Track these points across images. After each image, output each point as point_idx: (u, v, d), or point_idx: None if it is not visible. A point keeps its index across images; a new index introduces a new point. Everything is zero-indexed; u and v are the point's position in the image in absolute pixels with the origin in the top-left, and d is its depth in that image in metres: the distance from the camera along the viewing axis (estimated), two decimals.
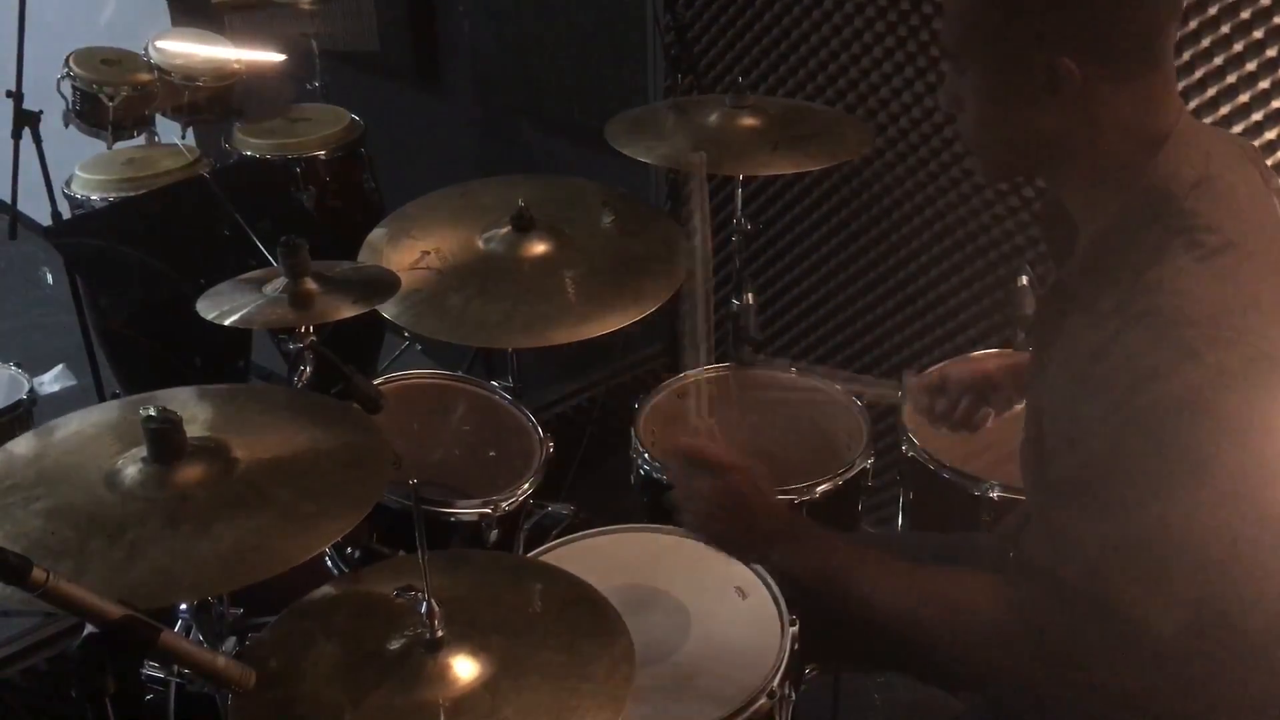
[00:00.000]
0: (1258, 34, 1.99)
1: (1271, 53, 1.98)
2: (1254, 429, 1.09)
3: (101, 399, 2.82)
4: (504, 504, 1.84)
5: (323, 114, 3.27)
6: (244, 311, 1.67)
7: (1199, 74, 2.05)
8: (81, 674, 1.07)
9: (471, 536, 1.83)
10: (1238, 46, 2.01)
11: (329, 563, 1.88)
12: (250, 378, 2.90)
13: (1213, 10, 2.01)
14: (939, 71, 2.40)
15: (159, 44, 3.15)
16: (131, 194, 2.92)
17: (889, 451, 2.06)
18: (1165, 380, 1.07)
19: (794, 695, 1.50)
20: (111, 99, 3.02)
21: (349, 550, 1.87)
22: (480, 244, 2.03)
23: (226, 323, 1.66)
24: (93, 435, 1.48)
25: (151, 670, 1.71)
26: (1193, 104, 2.05)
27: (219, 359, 2.72)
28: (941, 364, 2.06)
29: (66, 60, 3.05)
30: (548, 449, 1.96)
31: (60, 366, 3.52)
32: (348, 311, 1.69)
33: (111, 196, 2.95)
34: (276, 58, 3.25)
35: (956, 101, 1.27)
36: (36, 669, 2.20)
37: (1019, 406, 1.61)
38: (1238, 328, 1.08)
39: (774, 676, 1.44)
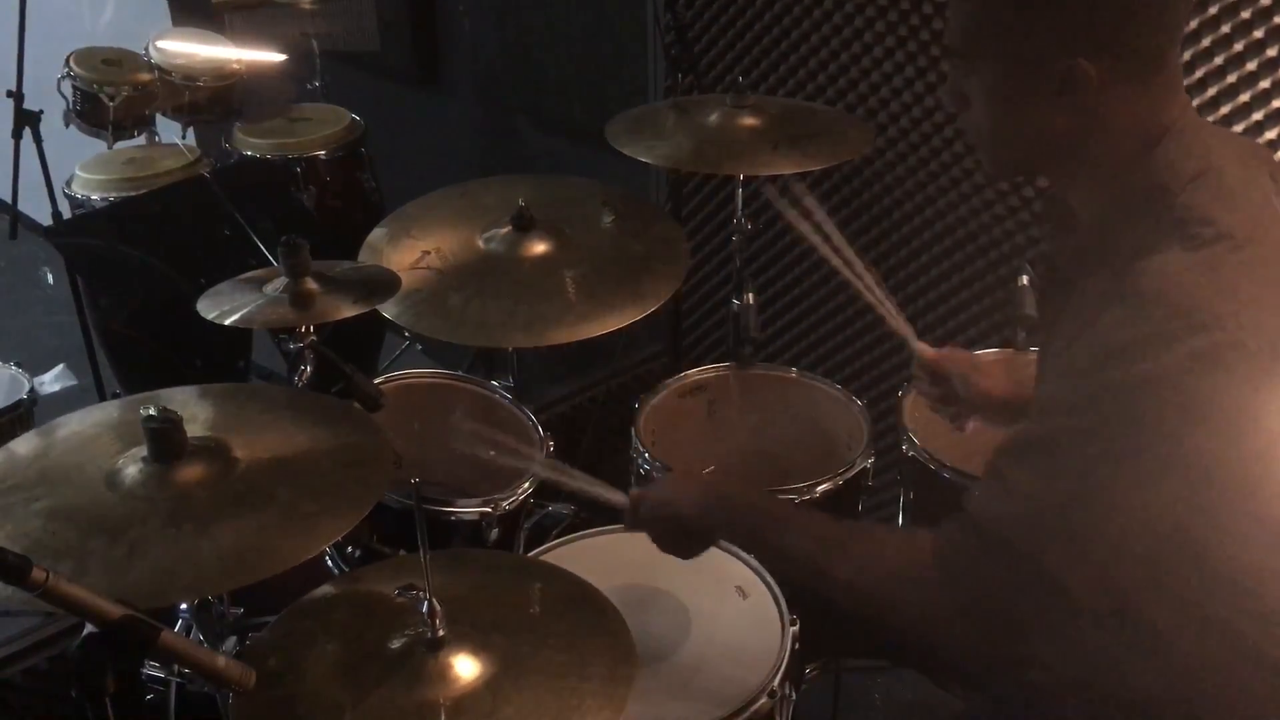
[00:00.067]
0: (1258, 33, 1.99)
1: (1272, 52, 1.98)
2: (1222, 415, 1.09)
3: (102, 399, 2.82)
4: (504, 503, 1.84)
5: (323, 114, 3.27)
6: (244, 311, 1.67)
7: (1200, 73, 2.05)
8: (82, 674, 1.07)
9: (472, 536, 1.83)
10: (1238, 46, 2.01)
11: (329, 562, 1.88)
12: (251, 377, 2.90)
13: (1213, 10, 2.01)
14: (939, 71, 2.40)
15: (159, 44, 3.15)
16: (132, 194, 2.92)
17: (889, 451, 2.06)
18: (1136, 359, 1.08)
19: (794, 695, 1.50)
20: (112, 99, 3.02)
21: (349, 550, 1.87)
22: (480, 244, 2.03)
23: (227, 322, 1.66)
24: (93, 435, 1.48)
25: (152, 670, 1.71)
26: (1193, 103, 2.04)
27: (219, 359, 2.73)
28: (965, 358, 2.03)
29: (67, 60, 3.04)
30: (548, 449, 1.96)
31: (60, 366, 3.52)
32: (348, 311, 1.69)
33: (112, 196, 2.95)
34: (277, 58, 3.25)
35: (961, 99, 1.27)
36: (37, 669, 2.20)
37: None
38: (1215, 314, 1.08)
39: (774, 676, 1.44)
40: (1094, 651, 1.28)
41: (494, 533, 1.84)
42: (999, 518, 1.18)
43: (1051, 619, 1.23)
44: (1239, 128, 2.04)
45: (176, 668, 1.67)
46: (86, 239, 2.69)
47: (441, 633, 1.25)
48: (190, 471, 1.36)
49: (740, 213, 2.28)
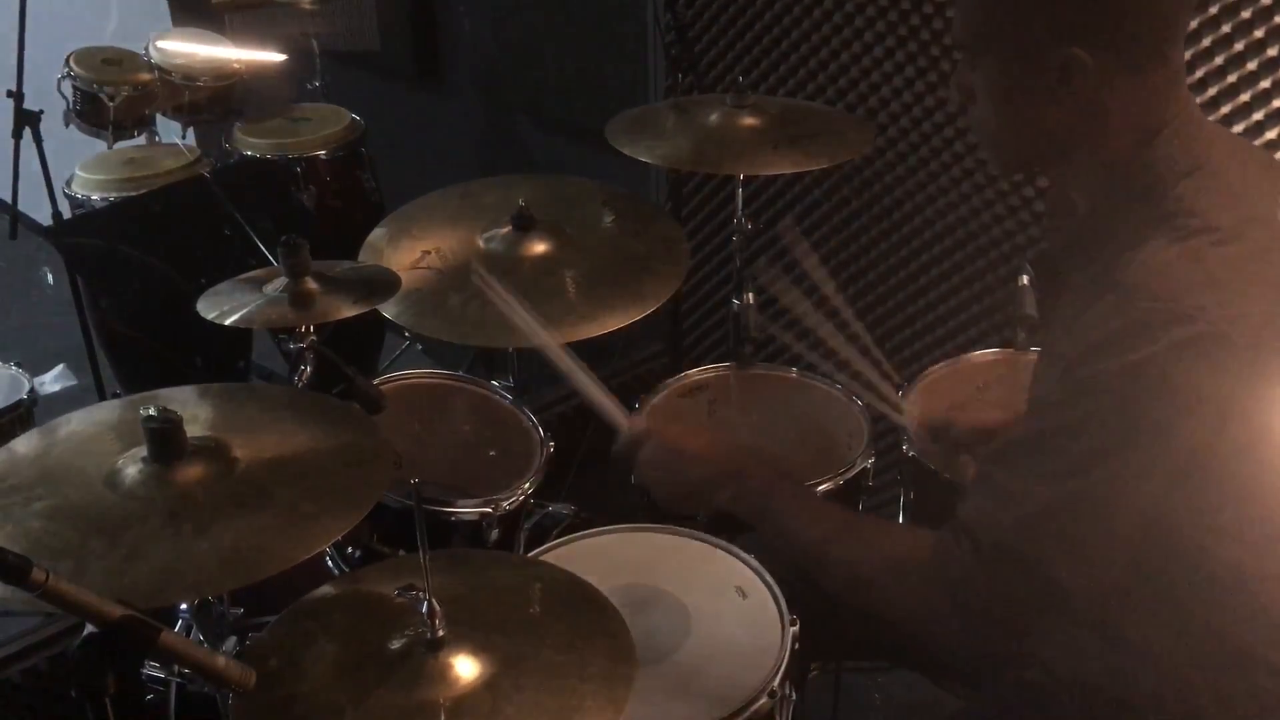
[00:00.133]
0: (1259, 33, 1.99)
1: (1272, 52, 1.98)
2: (1208, 405, 1.09)
3: (102, 399, 2.82)
4: (505, 503, 1.84)
5: (323, 113, 3.27)
6: (244, 311, 1.67)
7: (1200, 73, 2.05)
8: (82, 674, 1.07)
9: (472, 536, 1.83)
10: (1239, 46, 2.01)
11: (329, 562, 1.88)
12: (251, 377, 2.90)
13: (1213, 9, 2.01)
14: (939, 71, 2.40)
15: (159, 44, 3.15)
16: (132, 194, 2.92)
17: (889, 451, 2.06)
18: (1120, 350, 1.08)
19: (794, 695, 1.50)
20: (112, 99, 3.02)
21: (349, 550, 1.87)
22: (481, 244, 2.02)
23: (227, 322, 1.66)
24: (93, 435, 1.48)
25: (152, 670, 1.71)
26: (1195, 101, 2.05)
27: (220, 359, 2.73)
28: (945, 367, 2.05)
29: (67, 60, 3.05)
30: (548, 448, 1.96)
31: (61, 366, 3.52)
32: (348, 311, 1.69)
33: (112, 196, 2.95)
34: (277, 57, 3.25)
35: (968, 94, 1.27)
36: (37, 669, 2.21)
37: None
38: (1198, 304, 1.08)
39: (774, 676, 1.44)
40: (1090, 652, 1.29)
41: (494, 533, 1.84)
42: (994, 524, 1.17)
43: (1048, 621, 1.23)
44: (1239, 128, 2.04)
45: (176, 668, 1.67)
46: (87, 239, 2.69)
47: (441, 633, 1.25)
48: (190, 471, 1.36)
49: (740, 213, 2.28)
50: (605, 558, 1.65)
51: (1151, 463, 1.10)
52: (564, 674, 1.24)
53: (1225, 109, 2.05)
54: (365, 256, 2.02)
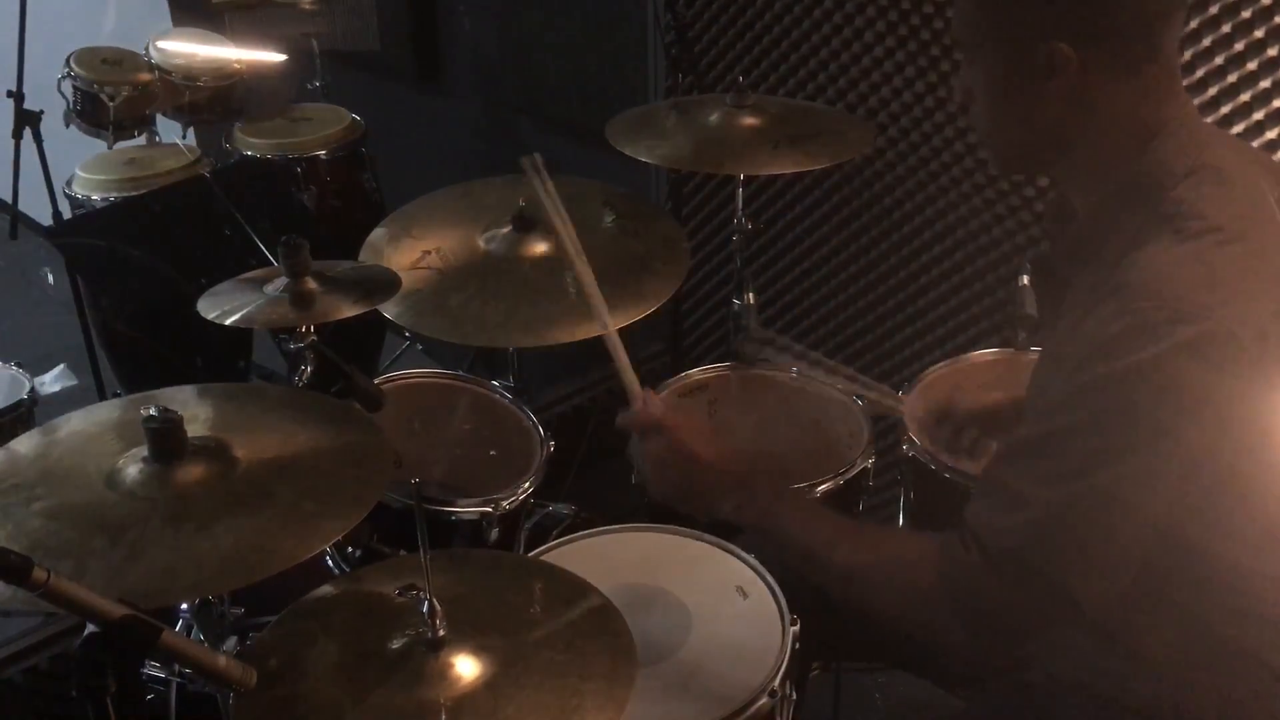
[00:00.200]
0: (1259, 33, 1.99)
1: (1273, 52, 1.98)
2: (1213, 406, 1.09)
3: (102, 399, 2.82)
4: (505, 503, 1.84)
5: (323, 114, 3.27)
6: (245, 311, 1.67)
7: (1200, 73, 2.05)
8: (82, 673, 1.07)
9: (472, 536, 1.83)
10: (1239, 46, 2.01)
11: (330, 562, 1.88)
12: (251, 377, 2.90)
13: (1214, 9, 2.01)
14: (939, 71, 2.40)
15: (160, 44, 3.15)
16: (132, 194, 2.92)
17: (889, 451, 2.06)
18: (1124, 351, 1.08)
19: (795, 695, 1.50)
20: (112, 99, 3.02)
21: (350, 550, 1.87)
22: (481, 243, 2.03)
23: (228, 322, 1.66)
24: (94, 435, 1.48)
25: (153, 670, 1.71)
26: (1193, 103, 2.04)
27: (220, 359, 2.73)
28: (945, 367, 2.06)
29: (67, 60, 3.05)
30: (549, 448, 1.96)
31: (61, 366, 3.52)
32: (348, 311, 1.69)
33: (112, 196, 2.95)
34: (277, 57, 3.25)
35: (968, 93, 1.28)
36: (38, 668, 2.21)
37: None
38: (1203, 305, 1.08)
39: (775, 676, 1.44)
40: (1091, 655, 1.28)
41: (494, 533, 1.84)
42: (1002, 529, 1.17)
43: (1056, 626, 1.22)
44: (1239, 128, 2.04)
45: (177, 667, 1.67)
46: (87, 239, 2.69)
47: (442, 633, 1.25)
48: (191, 471, 1.36)
49: (740, 213, 2.28)
50: (606, 558, 1.65)
51: (1156, 464, 1.10)
52: (564, 674, 1.24)
53: (1225, 109, 2.05)
54: (365, 256, 2.02)
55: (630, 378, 1.49)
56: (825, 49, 2.56)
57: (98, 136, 3.09)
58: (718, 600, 1.57)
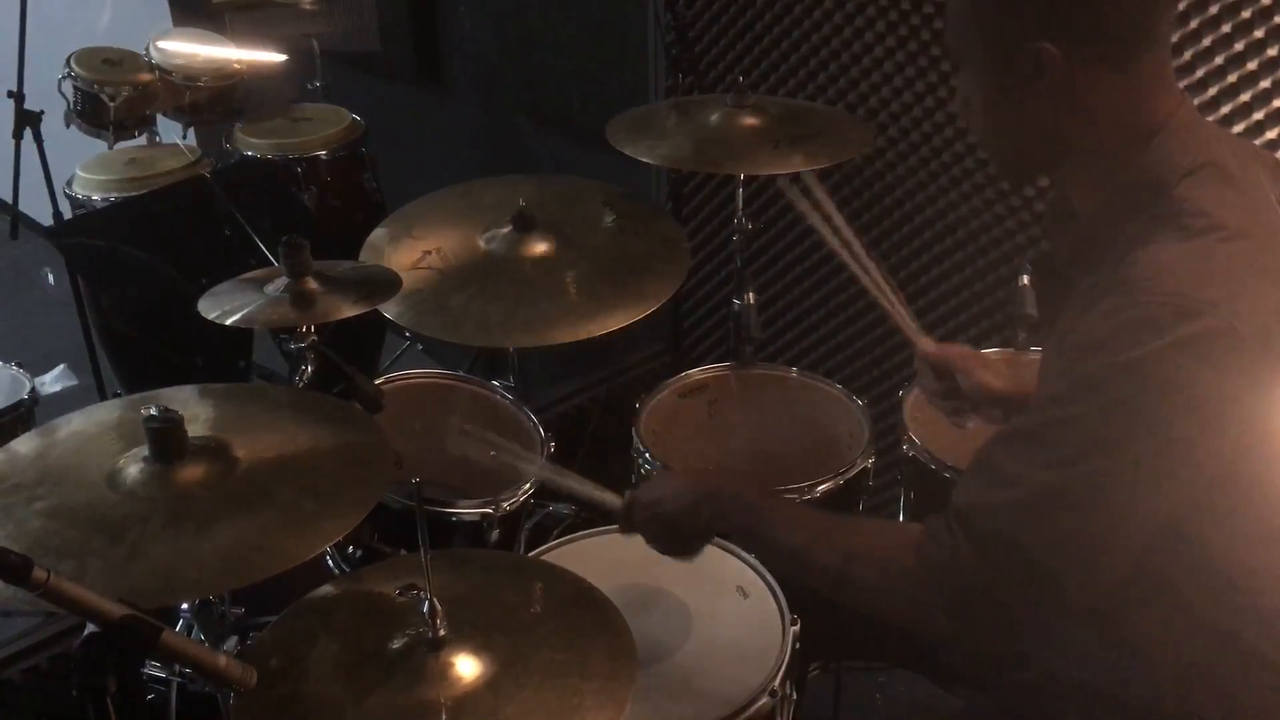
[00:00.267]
0: (1259, 33, 1.99)
1: (1272, 52, 1.98)
2: (1212, 403, 1.09)
3: (103, 399, 2.82)
4: (505, 503, 1.85)
5: (324, 114, 3.27)
6: (245, 311, 1.67)
7: (1200, 73, 2.05)
8: (83, 673, 1.07)
9: (473, 536, 1.83)
10: (1238, 45, 2.01)
11: (330, 562, 1.89)
12: (252, 377, 2.90)
13: (1214, 9, 2.01)
14: (939, 71, 2.40)
15: (160, 44, 3.15)
16: (133, 194, 2.92)
17: (889, 451, 2.06)
18: (1126, 345, 1.08)
19: (795, 694, 1.50)
20: (113, 99, 3.02)
21: (350, 550, 1.87)
22: (481, 244, 2.03)
23: (228, 322, 1.66)
24: (94, 434, 1.48)
25: (153, 670, 1.72)
26: (1193, 103, 2.04)
27: (220, 359, 2.73)
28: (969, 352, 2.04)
29: (68, 60, 3.05)
30: (549, 448, 1.96)
31: (61, 366, 3.52)
32: (349, 311, 1.69)
33: (113, 196, 2.95)
34: (278, 58, 3.25)
35: (967, 103, 1.28)
36: (38, 668, 2.21)
37: None
38: (1205, 300, 1.08)
39: (775, 676, 1.44)
40: (1090, 653, 1.28)
41: (495, 533, 1.84)
42: (988, 507, 1.17)
43: (1043, 616, 1.22)
44: (1239, 128, 2.04)
45: (178, 667, 1.68)
46: (87, 239, 2.69)
47: (442, 633, 1.25)
48: (191, 471, 1.36)
49: (740, 213, 2.28)
50: (606, 558, 1.65)
51: (1153, 457, 1.10)
52: (565, 673, 1.24)
53: (1225, 109, 2.05)
54: (366, 256, 2.02)
55: (600, 498, 1.52)
56: (825, 49, 2.56)
57: (98, 137, 3.09)
58: (718, 600, 1.57)
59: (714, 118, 2.21)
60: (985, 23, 1.22)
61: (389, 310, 1.86)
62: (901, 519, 2.09)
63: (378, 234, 2.09)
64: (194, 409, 1.50)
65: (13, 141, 2.72)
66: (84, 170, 3.03)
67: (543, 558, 1.64)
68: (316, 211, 3.09)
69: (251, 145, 3.12)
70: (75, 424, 1.51)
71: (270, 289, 1.71)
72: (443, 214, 2.15)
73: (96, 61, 3.08)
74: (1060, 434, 1.13)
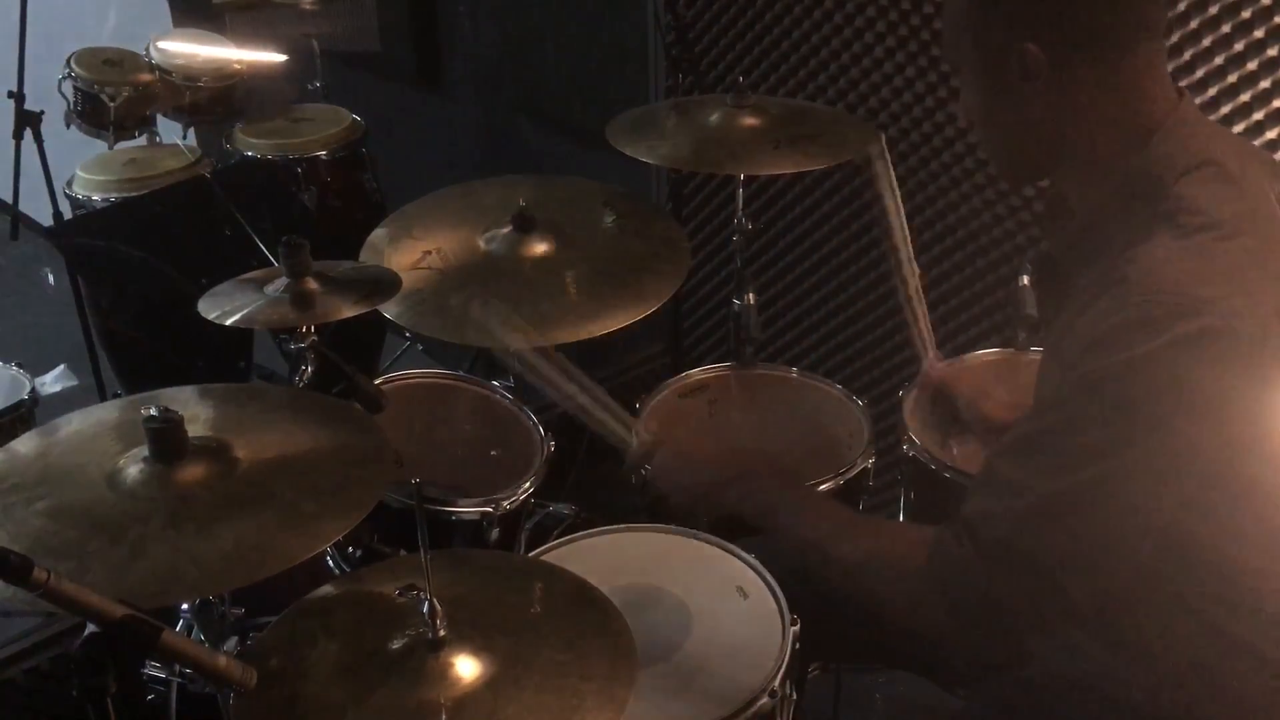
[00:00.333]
0: (1258, 33, 1.99)
1: (1272, 52, 1.98)
2: (1211, 402, 1.09)
3: (103, 399, 2.82)
4: (505, 503, 1.85)
5: (324, 114, 3.27)
6: (245, 311, 1.67)
7: (1200, 73, 2.05)
8: (83, 674, 1.07)
9: (473, 536, 1.83)
10: (1238, 45, 2.01)
11: (330, 562, 1.89)
12: (252, 377, 2.90)
13: (1214, 9, 2.01)
14: (939, 71, 2.40)
15: (160, 44, 3.15)
16: (133, 194, 2.92)
17: (890, 451, 2.06)
18: (1123, 345, 1.08)
19: (795, 695, 1.50)
20: (113, 99, 3.02)
21: (350, 550, 1.87)
22: (482, 244, 2.03)
23: (228, 323, 1.66)
24: (94, 435, 1.48)
25: (153, 670, 1.72)
26: (1193, 100, 2.04)
27: (220, 359, 2.73)
28: (945, 367, 2.05)
29: (68, 60, 3.05)
30: (549, 448, 1.96)
31: (62, 367, 3.52)
32: (349, 311, 1.69)
33: (113, 197, 2.95)
34: (278, 58, 3.25)
35: (970, 111, 1.29)
36: (38, 669, 2.20)
37: None
38: (1202, 299, 1.08)
39: (775, 676, 1.44)
40: (1088, 653, 1.28)
41: (495, 533, 1.84)
42: (994, 516, 1.17)
43: (1046, 621, 1.22)
44: (1239, 128, 2.04)
45: (178, 668, 1.68)
46: (87, 239, 2.69)
47: (442, 633, 1.25)
48: (191, 471, 1.36)
49: (740, 213, 2.28)
50: (606, 558, 1.65)
51: (1153, 458, 1.10)
52: (565, 674, 1.24)
53: (1225, 109, 2.05)
54: (366, 257, 2.02)
55: (614, 427, 1.57)
56: (825, 49, 2.56)
57: (98, 137, 3.09)
58: (718, 600, 1.57)
59: (714, 118, 2.21)
60: (973, 27, 1.23)
61: (389, 310, 1.85)
62: (901, 519, 2.09)
63: (378, 234, 2.09)
64: (194, 409, 1.50)
65: (13, 142, 2.72)
66: (84, 170, 3.03)
67: (543, 558, 1.63)
68: (316, 211, 3.09)
69: (251, 145, 3.12)
70: (75, 424, 1.51)
71: (270, 289, 1.71)
72: (443, 214, 2.15)
73: (97, 62, 3.08)
74: (1061, 440, 1.13)
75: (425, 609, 1.24)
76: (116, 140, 3.10)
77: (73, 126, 3.08)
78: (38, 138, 2.72)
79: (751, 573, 1.61)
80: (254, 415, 1.54)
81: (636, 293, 1.93)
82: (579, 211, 2.13)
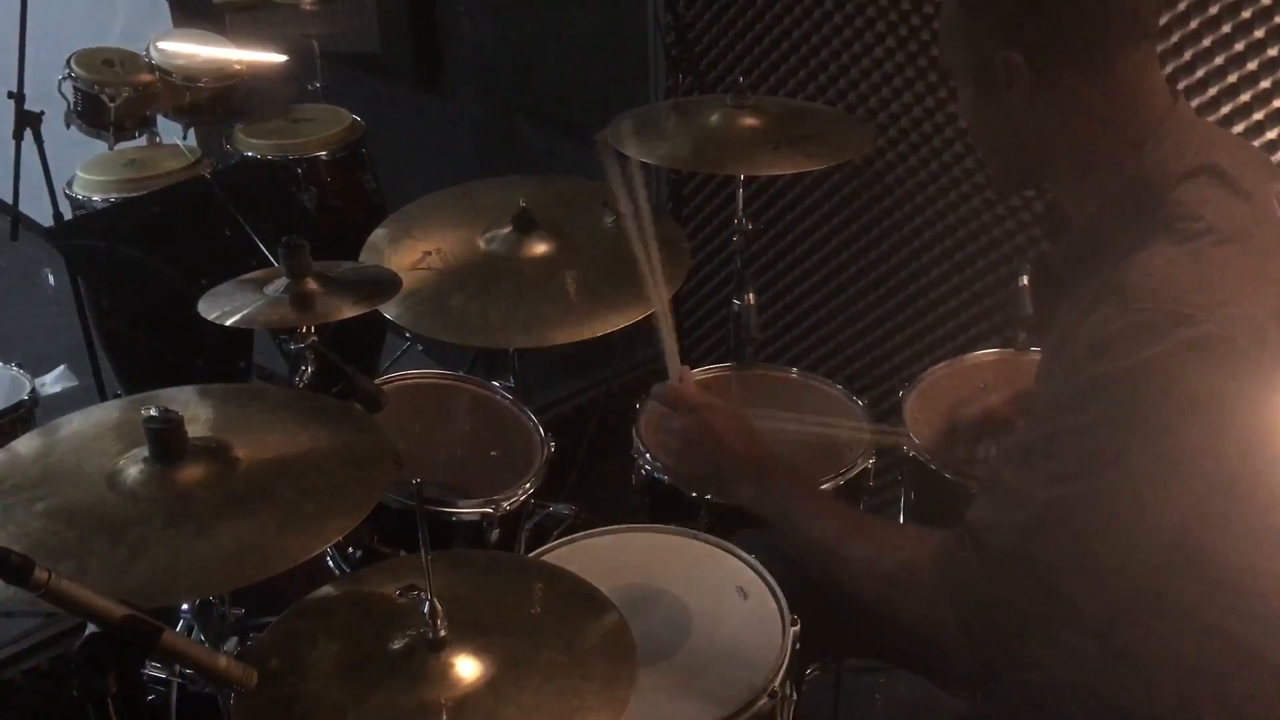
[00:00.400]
0: (1259, 33, 1.99)
1: (1272, 52, 1.98)
2: (1213, 406, 1.09)
3: (103, 399, 2.82)
4: (505, 504, 1.84)
5: (324, 114, 3.27)
6: (245, 312, 1.67)
7: (1200, 73, 2.05)
8: (83, 674, 1.07)
9: (473, 536, 1.83)
10: (1238, 46, 2.01)
11: (330, 563, 1.89)
12: (252, 378, 2.90)
13: (1214, 9, 2.01)
14: (939, 71, 2.40)
15: (160, 44, 3.16)
16: (133, 195, 2.92)
17: (890, 451, 2.06)
18: (1124, 352, 1.08)
19: (795, 695, 1.50)
20: (113, 100, 3.02)
21: (350, 550, 1.87)
22: (482, 244, 2.03)
23: (228, 323, 1.66)
24: (94, 435, 1.48)
25: (153, 670, 1.72)
26: (1194, 103, 2.04)
27: (220, 359, 2.73)
28: (945, 367, 2.06)
29: (68, 61, 3.05)
30: (549, 449, 1.96)
31: (62, 367, 3.52)
32: (349, 312, 1.69)
33: (113, 197, 2.95)
34: (278, 58, 3.25)
35: (963, 113, 1.30)
36: (38, 669, 2.21)
37: None
38: (1201, 305, 1.08)
39: (775, 676, 1.44)
40: (1090, 656, 1.28)
41: (495, 533, 1.84)
42: (999, 525, 1.17)
43: (1053, 627, 1.22)
44: (1239, 128, 2.04)
45: (178, 668, 1.68)
46: (87, 240, 2.69)
47: (443, 633, 1.25)
48: (191, 472, 1.36)
49: (740, 213, 2.28)
50: (606, 558, 1.65)
51: (1155, 464, 1.10)
52: (565, 674, 1.24)
53: (1225, 109, 2.05)
54: (366, 257, 2.02)
55: (673, 351, 1.52)
56: (825, 49, 2.57)
57: (98, 137, 3.09)
58: (718, 600, 1.57)
59: (714, 118, 2.21)
60: (960, 37, 1.24)
61: (389, 311, 1.86)
62: (902, 520, 2.09)
63: (378, 234, 2.09)
64: (194, 409, 1.50)
65: (13, 142, 2.72)
66: (84, 171, 3.03)
67: (543, 558, 1.63)
68: (316, 212, 3.09)
69: (251, 146, 3.12)
70: (75, 424, 1.51)
71: (270, 290, 1.71)
72: (443, 214, 2.15)
73: (97, 62, 3.08)
74: (1063, 447, 1.13)
75: (425, 609, 1.24)
76: (116, 141, 3.10)
77: (73, 127, 3.08)
78: (38, 138, 2.73)
79: (751, 573, 1.61)
80: (254, 415, 1.54)
81: (636, 293, 1.93)
82: (579, 212, 2.13)
